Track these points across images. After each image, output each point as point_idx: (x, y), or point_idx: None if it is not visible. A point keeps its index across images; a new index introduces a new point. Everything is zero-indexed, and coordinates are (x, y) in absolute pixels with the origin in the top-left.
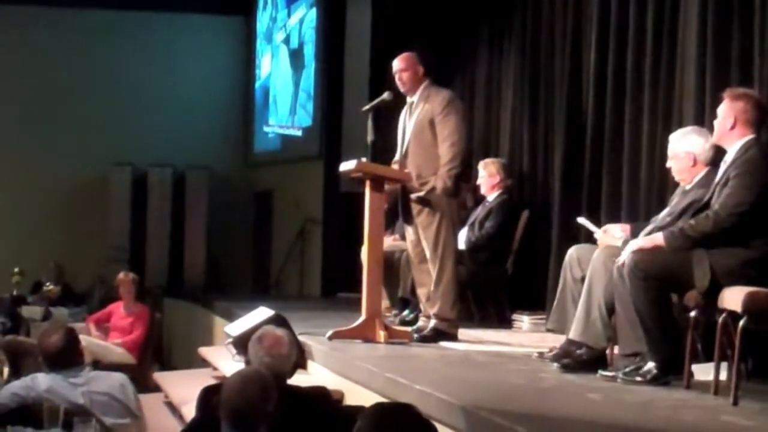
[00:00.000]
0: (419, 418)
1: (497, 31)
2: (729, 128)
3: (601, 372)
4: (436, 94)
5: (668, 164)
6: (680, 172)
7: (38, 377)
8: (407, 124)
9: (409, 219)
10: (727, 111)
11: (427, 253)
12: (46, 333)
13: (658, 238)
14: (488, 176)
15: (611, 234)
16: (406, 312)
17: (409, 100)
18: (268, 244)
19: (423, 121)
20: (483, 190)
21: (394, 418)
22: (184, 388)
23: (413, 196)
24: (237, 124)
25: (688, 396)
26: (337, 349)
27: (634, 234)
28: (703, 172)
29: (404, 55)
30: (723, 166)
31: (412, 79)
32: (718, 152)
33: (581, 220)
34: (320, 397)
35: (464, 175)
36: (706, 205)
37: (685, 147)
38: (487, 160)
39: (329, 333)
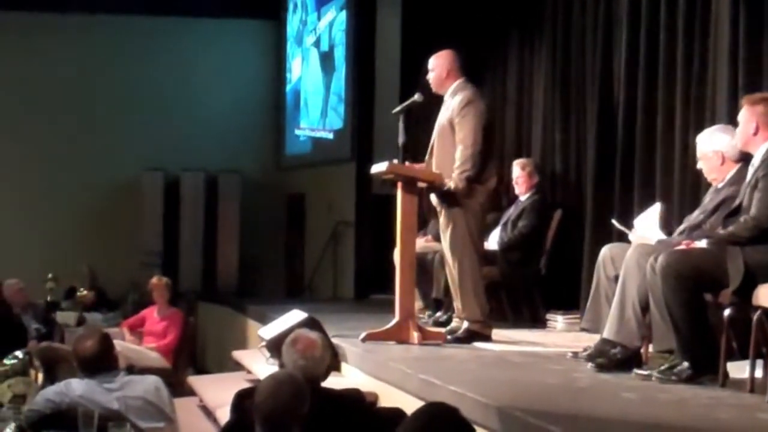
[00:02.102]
0: (464, 423)
1: (528, 30)
2: (752, 133)
3: (635, 371)
4: (460, 94)
5: (698, 166)
6: (711, 172)
7: (72, 383)
8: (437, 122)
9: (437, 215)
10: (747, 117)
11: (447, 256)
12: (80, 338)
13: (701, 245)
14: (522, 176)
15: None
16: (439, 313)
17: (444, 98)
18: (300, 247)
19: (445, 122)
20: (517, 190)
21: (437, 421)
22: (218, 392)
23: (432, 195)
24: (268, 127)
25: (723, 394)
26: (371, 350)
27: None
28: (734, 169)
29: (436, 54)
30: (751, 169)
31: (435, 80)
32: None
33: (616, 223)
34: (354, 399)
35: (479, 177)
36: (739, 207)
37: (712, 146)
38: (521, 160)
39: (363, 335)
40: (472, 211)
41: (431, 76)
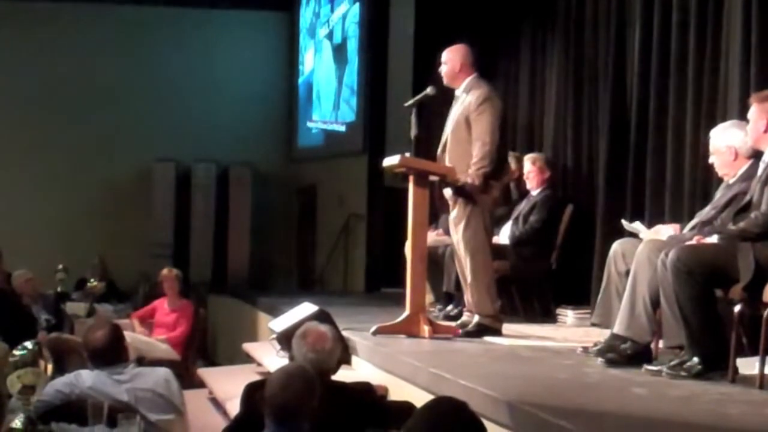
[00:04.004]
0: (472, 418)
1: (540, 25)
2: (763, 131)
3: (645, 366)
4: (475, 90)
5: (710, 160)
6: (723, 167)
7: (82, 374)
8: (450, 117)
9: (448, 210)
10: (757, 114)
11: (460, 250)
12: (90, 329)
13: (712, 241)
14: (532, 171)
15: (658, 232)
16: (450, 307)
17: (456, 92)
18: (311, 240)
19: (460, 117)
20: (528, 185)
21: (445, 416)
22: (229, 384)
23: (445, 191)
24: (280, 119)
25: (732, 390)
26: (382, 344)
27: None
28: (745, 165)
29: (450, 47)
30: (762, 165)
31: (448, 73)
32: None
33: (625, 224)
34: (364, 392)
35: (495, 173)
36: (749, 203)
37: (725, 141)
38: (533, 155)
39: (373, 328)
40: (487, 207)
41: (443, 70)
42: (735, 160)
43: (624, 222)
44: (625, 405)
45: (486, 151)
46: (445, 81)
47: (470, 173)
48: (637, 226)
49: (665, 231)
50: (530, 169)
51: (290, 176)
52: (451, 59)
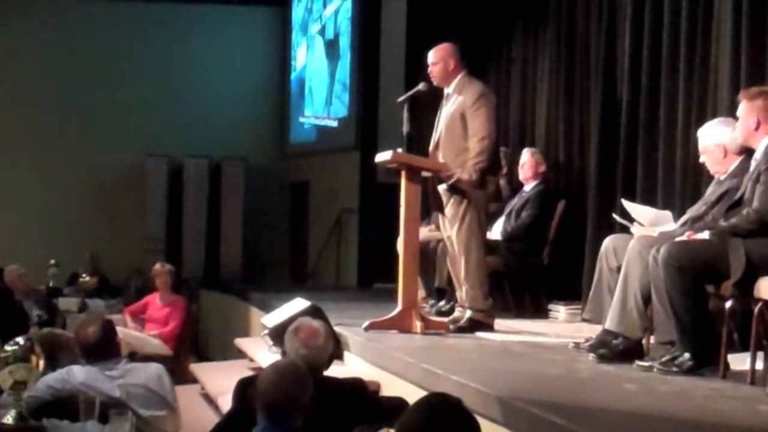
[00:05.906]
0: (466, 414)
1: (532, 20)
2: (754, 128)
3: (637, 362)
4: (469, 87)
5: (701, 159)
6: (714, 165)
7: (74, 370)
8: (442, 115)
9: (440, 208)
10: (747, 112)
11: (455, 245)
12: (83, 325)
13: (703, 237)
14: (530, 161)
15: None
16: (442, 302)
17: (445, 91)
18: (304, 235)
19: (455, 114)
20: (522, 176)
21: (440, 412)
22: (221, 380)
23: (440, 187)
24: (273, 115)
25: (724, 386)
26: (374, 339)
27: None
28: (736, 161)
29: (437, 47)
30: (753, 163)
31: (441, 72)
32: None
33: (617, 218)
34: (356, 388)
35: (492, 168)
36: (740, 199)
37: (714, 139)
38: (529, 149)
39: (365, 324)
40: (481, 203)
41: (435, 69)
42: (725, 158)
43: (615, 216)
44: (616, 401)
45: (484, 145)
46: (437, 81)
47: (467, 168)
48: (630, 207)
49: (657, 218)
50: (527, 159)
51: (283, 171)
52: (443, 58)
